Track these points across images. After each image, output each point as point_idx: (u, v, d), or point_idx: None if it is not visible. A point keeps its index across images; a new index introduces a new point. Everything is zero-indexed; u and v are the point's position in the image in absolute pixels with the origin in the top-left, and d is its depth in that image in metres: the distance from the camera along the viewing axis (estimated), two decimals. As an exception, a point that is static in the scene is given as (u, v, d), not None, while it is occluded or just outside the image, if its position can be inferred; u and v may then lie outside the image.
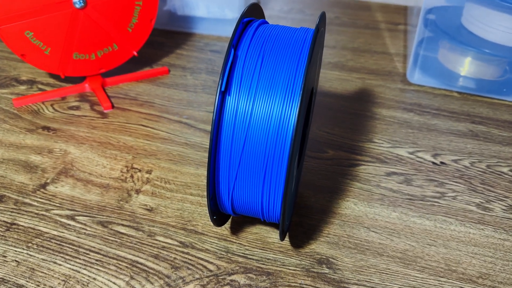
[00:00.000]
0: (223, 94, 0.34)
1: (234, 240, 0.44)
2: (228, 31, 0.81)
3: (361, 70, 0.73)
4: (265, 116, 0.35)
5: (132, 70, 0.69)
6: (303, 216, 0.47)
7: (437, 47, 0.72)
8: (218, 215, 0.41)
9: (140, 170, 0.52)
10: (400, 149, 0.57)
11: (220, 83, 0.33)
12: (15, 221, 0.45)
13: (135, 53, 0.64)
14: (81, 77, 0.65)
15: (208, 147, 0.56)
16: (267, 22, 0.41)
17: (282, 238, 0.39)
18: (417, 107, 0.65)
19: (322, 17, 0.39)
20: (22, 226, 0.45)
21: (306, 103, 0.38)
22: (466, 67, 0.70)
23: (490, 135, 0.61)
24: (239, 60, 0.35)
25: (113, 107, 0.62)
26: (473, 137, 0.60)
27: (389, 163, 0.55)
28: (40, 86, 0.65)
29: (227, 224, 0.46)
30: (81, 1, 0.57)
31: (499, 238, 0.46)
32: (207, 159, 0.54)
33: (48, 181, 0.50)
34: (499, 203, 0.51)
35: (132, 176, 0.51)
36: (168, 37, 0.79)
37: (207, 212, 0.46)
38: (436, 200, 0.50)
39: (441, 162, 0.56)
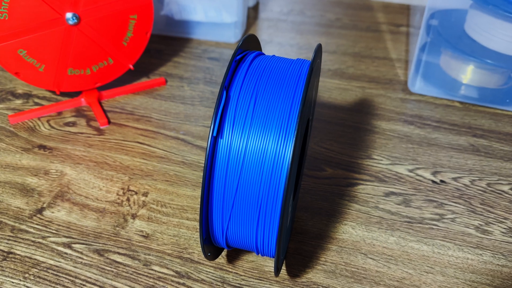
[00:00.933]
0: (215, 137, 0.33)
1: (230, 270, 0.44)
2: (226, 37, 0.79)
3: (361, 78, 0.72)
4: (259, 156, 0.34)
5: (129, 81, 0.68)
6: (300, 242, 0.47)
7: (439, 54, 0.70)
8: (212, 249, 0.40)
9: (136, 193, 0.52)
10: (399, 167, 0.56)
11: (211, 128, 0.33)
12: (12, 250, 0.45)
13: (131, 67, 0.63)
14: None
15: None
16: (262, 54, 0.40)
17: (277, 274, 0.39)
18: (418, 119, 0.64)
19: (318, 50, 0.38)
20: (19, 255, 0.45)
21: (302, 139, 0.38)
22: (469, 75, 0.68)
23: (492, 149, 0.60)
24: (232, 100, 0.34)
25: (109, 122, 0.61)
26: (474, 152, 0.59)
27: (388, 182, 0.54)
28: (36, 100, 0.65)
29: (223, 252, 0.46)
30: (74, 18, 0.56)
31: (497, 264, 0.46)
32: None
33: (45, 205, 0.50)
34: (498, 225, 0.50)
35: (128, 199, 0.51)
36: (165, 44, 0.78)
37: (203, 239, 0.46)
38: (434, 222, 0.50)
39: (441, 181, 0.55)
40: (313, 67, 0.35)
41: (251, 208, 0.35)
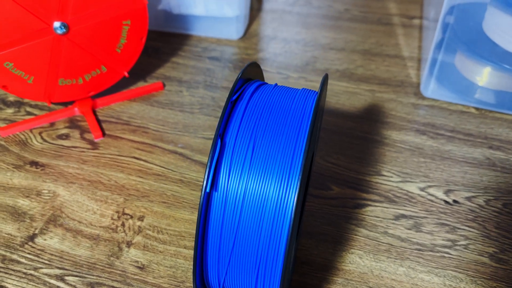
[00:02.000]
0: (209, 193, 0.30)
1: (229, 307, 0.42)
2: (228, 33, 0.75)
3: (371, 80, 0.68)
4: (260, 204, 0.31)
5: (125, 85, 0.65)
6: (305, 274, 0.45)
7: (454, 52, 0.66)
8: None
9: (131, 217, 0.49)
10: (410, 184, 0.53)
11: (204, 185, 0.29)
12: (3, 283, 0.43)
13: (126, 74, 0.60)
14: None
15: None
16: (262, 85, 0.36)
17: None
18: (431, 128, 0.61)
19: (324, 81, 0.34)
20: (9, 289, 0.43)
21: (305, 183, 0.35)
22: (485, 77, 0.64)
23: (509, 163, 0.56)
24: (228, 148, 0.31)
25: (104, 135, 0.58)
26: (490, 167, 0.56)
27: (398, 203, 0.51)
28: (28, 108, 0.61)
29: (223, 288, 0.43)
30: (63, 27, 0.52)
31: (513, 299, 0.43)
32: (203, 201, 0.51)
33: (37, 231, 0.48)
34: (514, 253, 0.47)
35: (123, 225, 0.48)
36: (164, 41, 0.74)
37: (202, 272, 0.44)
38: (446, 250, 0.47)
39: (454, 201, 0.52)
40: (317, 111, 0.31)
41: (249, 262, 0.32)
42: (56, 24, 0.51)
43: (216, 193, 0.31)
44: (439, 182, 0.54)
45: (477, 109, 0.64)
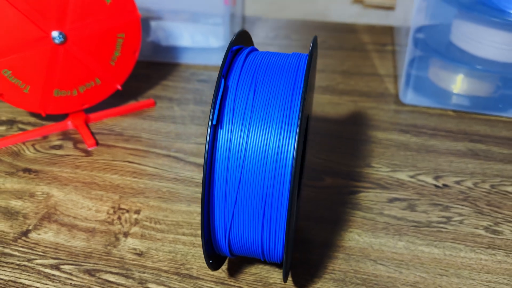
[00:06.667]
0: (215, 127, 0.32)
1: (232, 284, 0.41)
2: (214, 60, 0.79)
3: (352, 93, 0.71)
4: (262, 148, 0.32)
5: (116, 104, 0.66)
6: (305, 251, 0.44)
7: (428, 66, 0.71)
8: (214, 258, 0.38)
9: (128, 211, 0.49)
10: (400, 173, 0.55)
11: (211, 116, 0.31)
12: (-6, 275, 0.42)
13: (119, 87, 0.62)
14: (63, 114, 0.62)
15: (199, 181, 0.53)
16: (256, 49, 0.39)
17: (285, 279, 0.36)
18: (413, 128, 0.63)
19: (315, 41, 0.37)
20: (2, 279, 0.41)
21: (304, 132, 0.36)
22: (459, 84, 0.69)
23: (491, 153, 0.59)
24: (230, 90, 0.33)
25: (97, 144, 0.59)
26: (473, 156, 0.58)
27: (390, 189, 0.53)
28: (20, 125, 0.62)
29: (224, 265, 0.43)
30: (61, 36, 0.55)
31: (513, 263, 0.44)
32: (198, 195, 0.51)
33: (30, 227, 0.47)
34: (507, 225, 0.48)
35: (119, 218, 0.48)
36: (153, 69, 0.77)
37: (202, 253, 0.43)
38: (442, 225, 0.48)
39: (444, 185, 0.53)
40: (313, 54, 0.34)
41: (255, 204, 0.33)
42: (55, 33, 0.54)
43: (222, 130, 0.32)
44: (427, 170, 0.55)
45: (454, 111, 0.67)
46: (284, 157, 0.32)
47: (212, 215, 0.33)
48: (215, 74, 0.76)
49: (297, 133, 0.32)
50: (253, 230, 0.34)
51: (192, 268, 0.43)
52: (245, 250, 0.36)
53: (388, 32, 0.93)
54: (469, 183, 0.54)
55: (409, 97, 0.69)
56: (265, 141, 0.32)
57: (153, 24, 0.78)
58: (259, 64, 0.35)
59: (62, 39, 0.55)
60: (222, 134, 0.32)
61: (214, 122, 0.31)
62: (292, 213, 0.32)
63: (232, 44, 0.35)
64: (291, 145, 0.32)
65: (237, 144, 0.32)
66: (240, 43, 0.38)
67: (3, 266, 0.43)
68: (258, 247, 0.35)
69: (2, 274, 0.42)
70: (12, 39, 0.52)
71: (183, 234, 0.46)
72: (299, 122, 0.32)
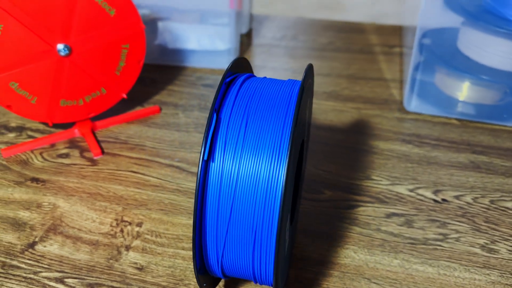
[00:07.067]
0: (207, 161, 0.33)
1: (228, 300, 0.43)
2: (220, 63, 0.79)
3: (356, 99, 0.71)
4: (252, 179, 0.33)
5: (123, 110, 0.68)
6: (301, 269, 0.46)
7: (433, 72, 0.70)
8: (208, 280, 0.39)
9: (130, 223, 0.50)
10: (399, 187, 0.55)
11: (202, 152, 0.32)
12: (2, 287, 0.44)
13: (125, 96, 0.63)
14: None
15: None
16: (252, 76, 0.40)
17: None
18: (416, 138, 0.63)
19: (309, 69, 0.38)
20: (8, 292, 0.43)
21: (296, 160, 0.37)
22: (465, 92, 0.68)
23: (492, 165, 0.59)
24: (223, 123, 0.34)
25: (103, 153, 0.60)
26: (475, 169, 0.58)
27: (389, 203, 0.53)
28: (29, 132, 0.64)
29: (221, 282, 0.44)
30: (66, 49, 0.56)
31: (506, 284, 0.44)
32: (200, 208, 0.52)
33: (37, 239, 0.49)
34: (504, 243, 0.49)
35: (122, 231, 0.49)
36: (160, 72, 0.78)
37: (200, 269, 0.44)
38: (438, 243, 0.48)
39: (443, 199, 0.54)
40: (304, 86, 0.34)
41: (246, 232, 0.34)
42: (60, 46, 0.55)
43: (213, 163, 0.33)
44: (427, 184, 0.56)
45: (458, 120, 0.67)
46: (274, 188, 0.33)
47: (205, 244, 0.35)
48: (220, 79, 0.76)
49: (287, 164, 0.33)
50: (244, 258, 0.35)
51: (190, 284, 0.44)
52: (238, 275, 0.37)
53: (397, 32, 0.92)
54: (468, 198, 0.54)
55: (414, 104, 0.69)
56: (256, 173, 0.33)
57: (159, 26, 0.79)
58: (252, 94, 0.36)
59: (67, 52, 0.56)
60: (214, 167, 0.33)
61: (206, 158, 0.32)
62: (281, 243, 0.33)
63: (228, 70, 0.36)
64: (281, 176, 0.33)
65: (229, 175, 0.33)
66: (237, 70, 0.39)
67: (10, 279, 0.45)
68: (250, 273, 0.36)
69: (9, 287, 0.44)
70: (19, 53, 0.54)
71: (183, 249, 0.48)
72: (288, 154, 0.32)
